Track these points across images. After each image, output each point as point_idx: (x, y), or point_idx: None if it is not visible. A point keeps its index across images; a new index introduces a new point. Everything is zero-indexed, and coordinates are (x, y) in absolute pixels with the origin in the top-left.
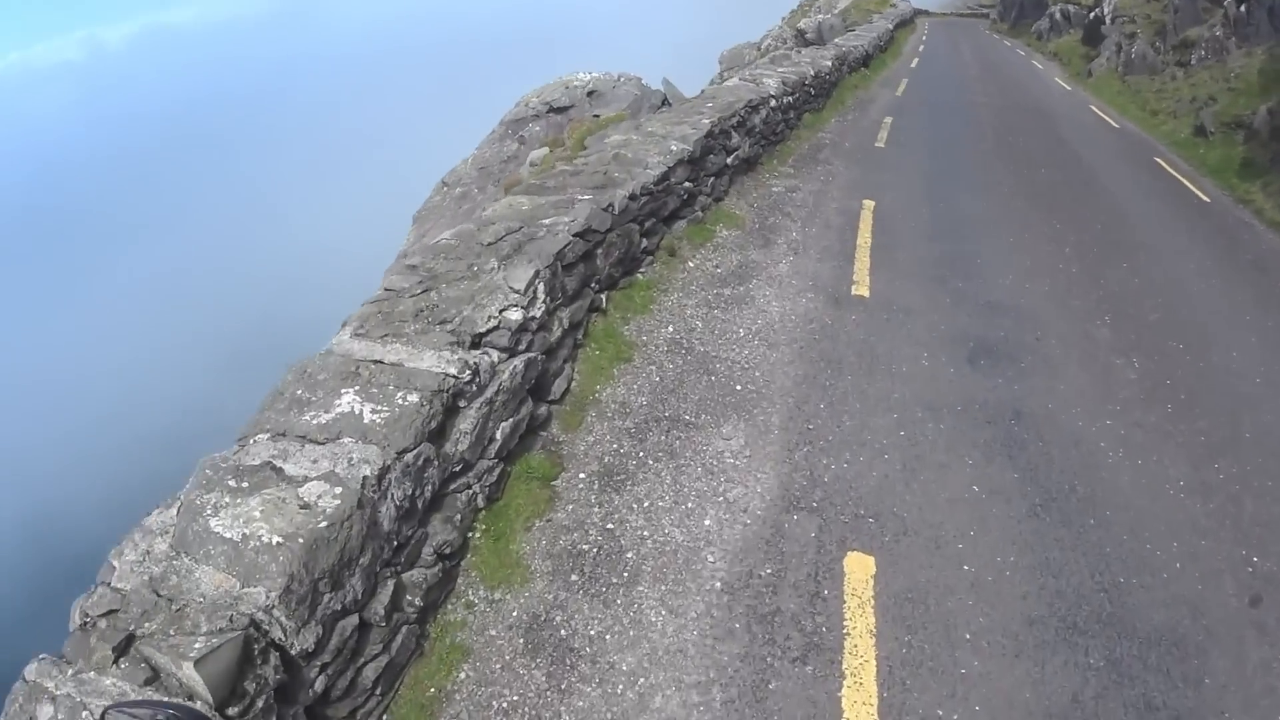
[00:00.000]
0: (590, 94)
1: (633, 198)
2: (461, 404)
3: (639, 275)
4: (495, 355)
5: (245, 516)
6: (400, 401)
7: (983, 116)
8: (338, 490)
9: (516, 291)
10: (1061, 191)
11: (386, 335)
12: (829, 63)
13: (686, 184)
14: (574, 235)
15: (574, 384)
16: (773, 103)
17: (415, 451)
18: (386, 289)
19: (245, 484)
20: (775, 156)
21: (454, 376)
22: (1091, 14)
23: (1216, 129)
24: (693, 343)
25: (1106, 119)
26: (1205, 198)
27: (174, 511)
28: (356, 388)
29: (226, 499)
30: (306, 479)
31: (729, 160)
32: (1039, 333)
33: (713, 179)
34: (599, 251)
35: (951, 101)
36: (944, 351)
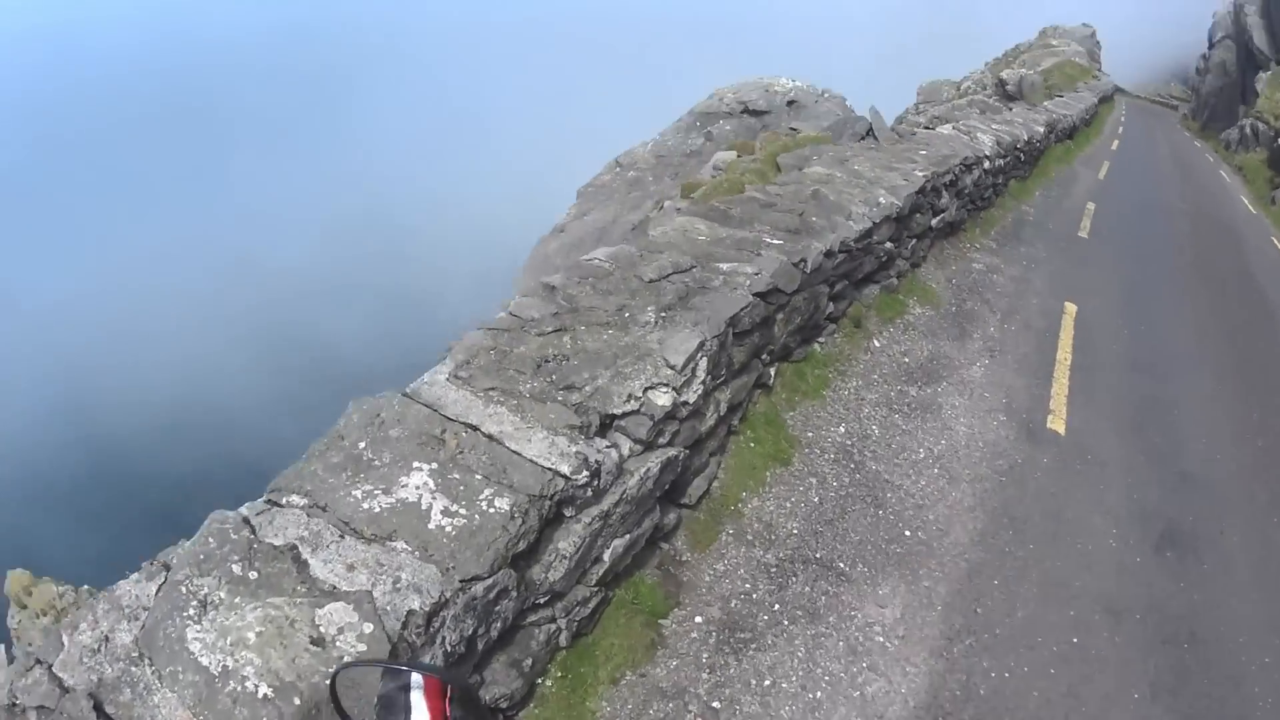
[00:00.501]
0: (790, 103)
1: (829, 254)
2: (568, 513)
3: (816, 346)
4: (626, 448)
5: (236, 636)
6: (485, 505)
7: (1178, 225)
8: (367, 629)
9: (671, 367)
10: (1252, 337)
11: (493, 390)
12: (1041, 129)
13: (888, 244)
14: (755, 295)
15: (716, 484)
16: (986, 164)
17: (488, 583)
18: (513, 314)
19: (254, 574)
20: (978, 224)
21: (566, 477)
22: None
23: None
24: (865, 456)
25: None
26: None
27: (154, 588)
28: (434, 465)
29: (222, 594)
30: (333, 591)
31: (934, 222)
32: (1223, 526)
33: (914, 241)
34: (779, 317)
35: (1149, 200)
36: (1134, 531)
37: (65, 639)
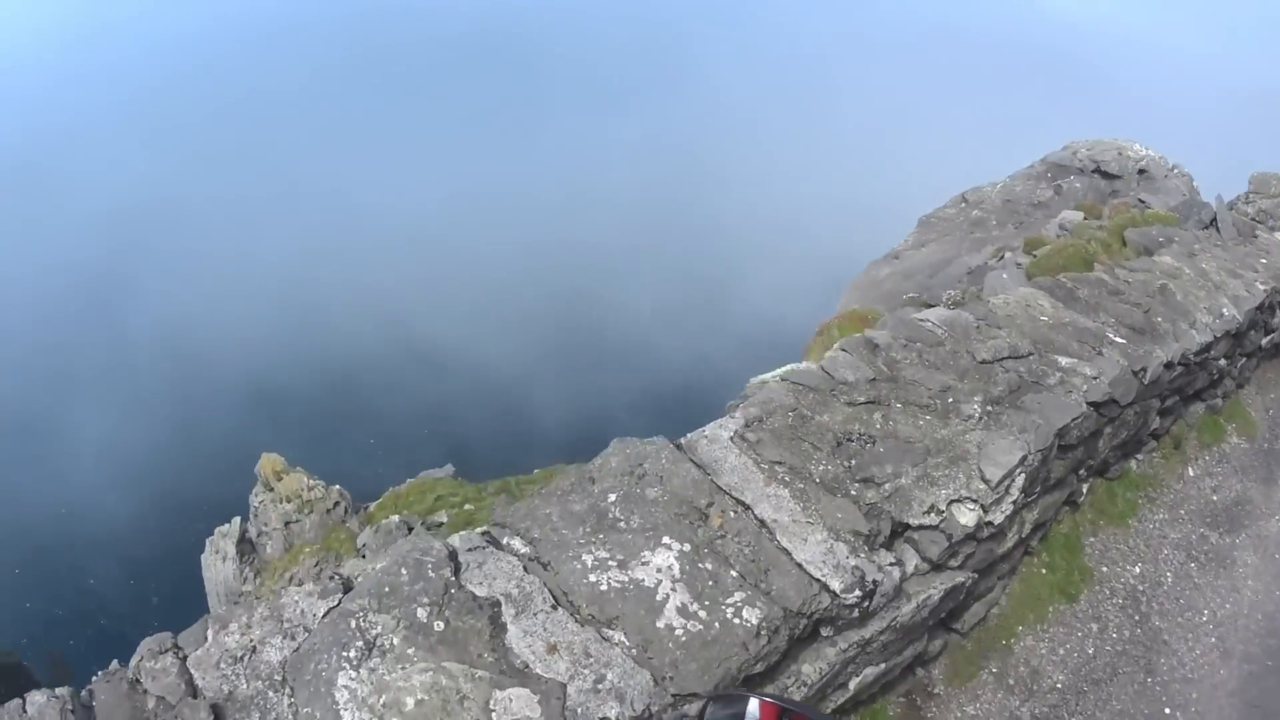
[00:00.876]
0: (1141, 172)
1: (1169, 365)
2: (824, 632)
3: (1133, 464)
4: (911, 564)
5: (393, 696)
6: (730, 613)
7: None
8: None
9: (985, 481)
10: None
11: (780, 464)
12: None
13: (1222, 361)
14: (1089, 404)
15: (995, 610)
16: None
17: (705, 704)
18: (825, 370)
19: (440, 624)
20: None
21: (834, 594)
22: None
23: None
24: (1151, 608)
25: None
26: None
27: (323, 609)
28: (687, 547)
29: (396, 639)
30: (524, 672)
31: (1264, 341)
32: None
33: (1244, 360)
34: (1107, 430)
35: None
36: None
37: (210, 634)
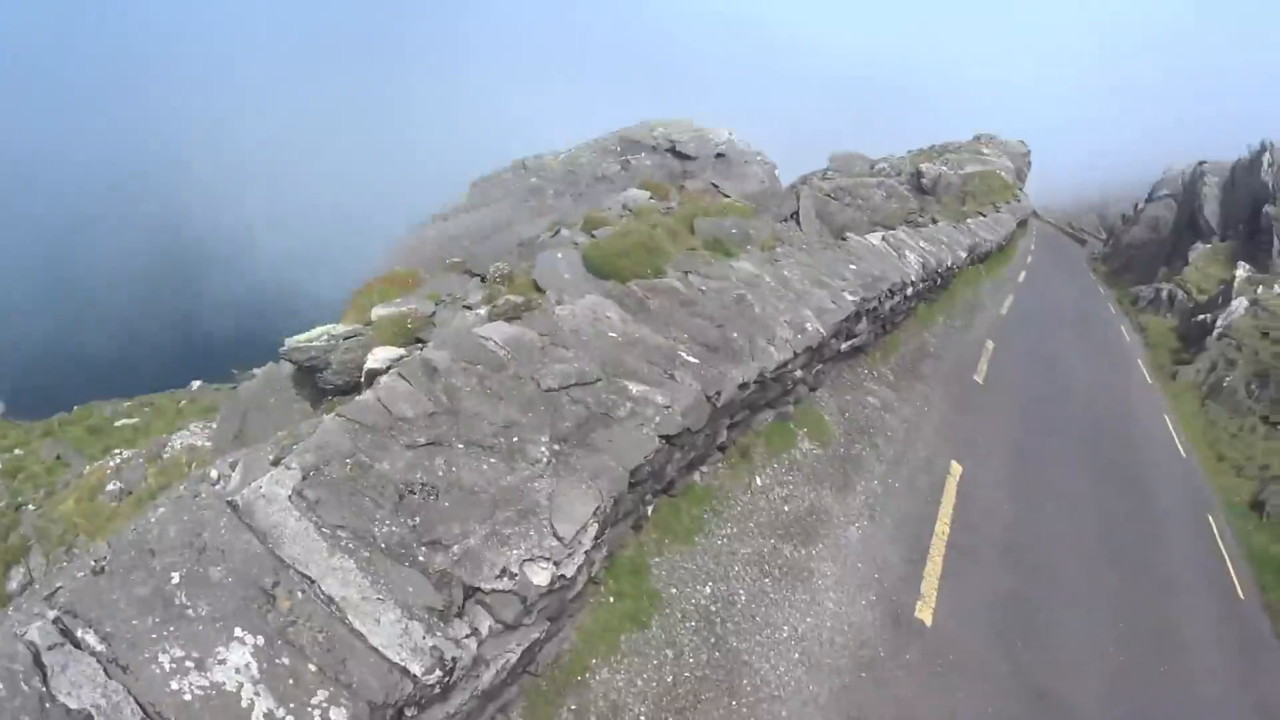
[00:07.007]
0: (719, 155)
1: (744, 386)
2: (409, 713)
3: (697, 476)
4: (486, 627)
5: None
6: (318, 715)
7: (1074, 383)
8: None
9: (559, 539)
10: (1124, 534)
11: (343, 529)
12: (964, 253)
13: (798, 372)
14: (662, 438)
15: (567, 645)
16: (909, 290)
17: None
18: (383, 403)
19: None
20: (880, 348)
21: (415, 679)
22: (1200, 317)
23: (1275, 513)
24: (727, 629)
25: (1176, 441)
26: (1241, 592)
27: None
28: (260, 640)
29: None
30: None
31: (844, 346)
32: None
33: (820, 365)
34: (677, 456)
35: (1048, 350)
36: None
37: None
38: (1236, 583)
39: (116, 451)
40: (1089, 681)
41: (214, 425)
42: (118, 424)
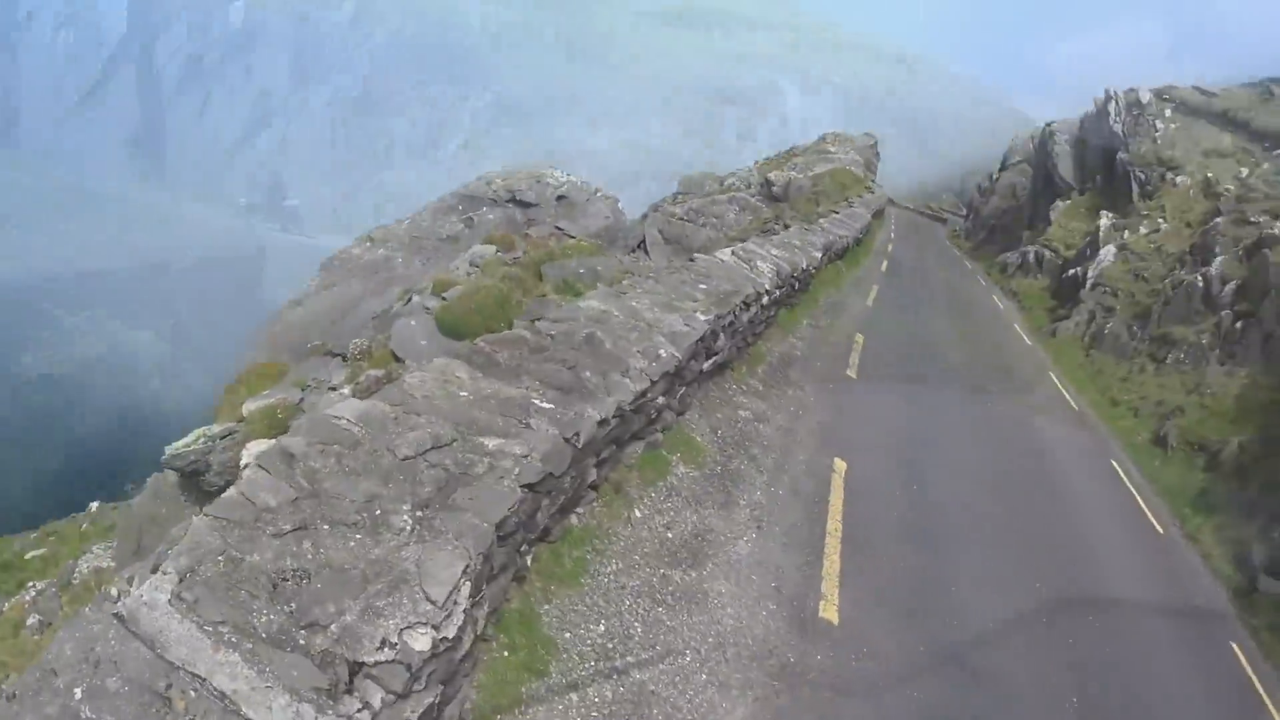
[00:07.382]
0: (560, 198)
1: (603, 423)
2: None
3: (574, 518)
4: (378, 699)
5: None
6: None
7: (952, 360)
8: None
9: (432, 602)
10: (1028, 495)
11: (223, 625)
12: (819, 254)
13: (660, 399)
14: (524, 487)
15: (469, 706)
16: (764, 299)
17: None
18: (246, 496)
19: None
20: (745, 360)
21: None
22: (1070, 271)
23: (1179, 444)
24: (629, 662)
25: (1066, 395)
26: (1159, 527)
27: None
28: None
29: None
30: None
31: (706, 366)
32: None
33: (684, 388)
34: (545, 503)
35: (920, 332)
36: None
37: None
38: (1153, 520)
39: (31, 584)
40: (1015, 647)
41: (114, 544)
42: (27, 556)
